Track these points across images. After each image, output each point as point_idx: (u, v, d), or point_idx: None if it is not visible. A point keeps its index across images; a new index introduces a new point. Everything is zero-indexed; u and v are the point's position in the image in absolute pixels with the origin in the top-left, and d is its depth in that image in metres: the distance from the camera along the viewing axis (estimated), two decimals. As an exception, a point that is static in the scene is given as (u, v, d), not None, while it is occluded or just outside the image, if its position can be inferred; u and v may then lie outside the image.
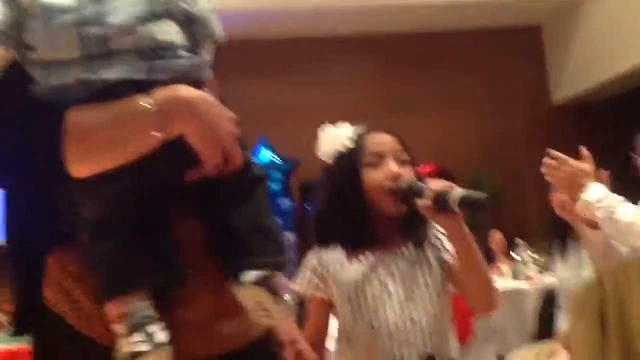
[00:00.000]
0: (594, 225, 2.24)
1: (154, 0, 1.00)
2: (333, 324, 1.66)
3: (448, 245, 1.61)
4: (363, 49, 6.79)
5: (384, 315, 1.53)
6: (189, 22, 1.05)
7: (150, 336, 0.95)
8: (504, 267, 4.91)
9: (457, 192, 1.44)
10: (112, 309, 0.98)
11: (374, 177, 1.58)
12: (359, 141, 1.63)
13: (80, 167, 0.96)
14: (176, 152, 0.99)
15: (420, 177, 1.62)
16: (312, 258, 1.64)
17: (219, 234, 1.06)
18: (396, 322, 1.53)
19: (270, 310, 1.03)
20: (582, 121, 6.74)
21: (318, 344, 1.61)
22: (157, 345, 0.95)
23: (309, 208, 1.65)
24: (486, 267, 1.56)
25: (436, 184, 1.48)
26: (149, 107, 0.95)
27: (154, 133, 0.95)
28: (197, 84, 1.03)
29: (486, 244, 5.81)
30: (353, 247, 1.60)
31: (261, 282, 1.03)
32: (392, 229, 1.62)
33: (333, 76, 6.77)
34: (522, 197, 6.64)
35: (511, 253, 5.07)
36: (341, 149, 1.63)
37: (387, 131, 1.67)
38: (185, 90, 0.99)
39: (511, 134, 7.01)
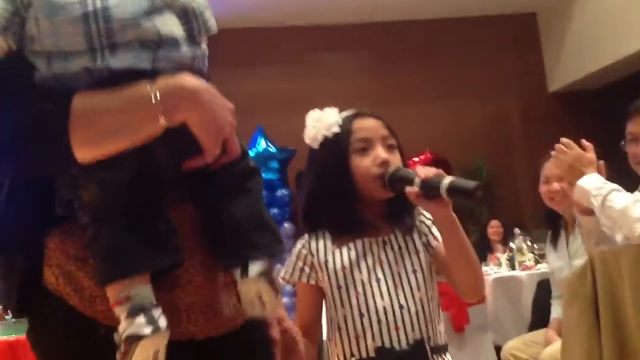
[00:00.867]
0: (587, 212, 2.26)
1: None
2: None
3: (435, 231, 1.62)
4: (359, 37, 6.78)
5: (372, 302, 1.54)
6: (187, 16, 1.07)
7: (151, 319, 0.97)
8: (502, 256, 4.91)
9: (446, 179, 1.44)
10: (114, 292, 0.99)
11: (362, 163, 1.58)
12: (345, 126, 1.62)
13: (85, 152, 0.98)
14: (178, 139, 1.01)
15: (406, 164, 1.62)
16: (301, 245, 1.64)
17: (217, 223, 1.08)
18: (385, 308, 1.53)
19: (266, 302, 1.06)
20: (578, 108, 6.75)
21: (310, 330, 1.61)
22: (158, 329, 0.97)
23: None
24: (474, 255, 1.57)
25: (425, 171, 1.48)
26: (155, 93, 0.97)
27: (158, 120, 0.97)
28: (199, 74, 1.05)
29: (484, 234, 5.84)
30: (341, 234, 1.60)
31: (264, 275, 1.06)
32: (379, 215, 1.62)
33: (330, 65, 6.77)
34: (518, 185, 6.67)
35: (508, 243, 5.08)
36: (328, 134, 1.61)
37: (374, 116, 1.66)
38: (189, 80, 1.01)
39: (507, 122, 7.02)
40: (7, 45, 1.00)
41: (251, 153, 6.37)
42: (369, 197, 1.59)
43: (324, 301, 1.63)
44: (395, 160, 1.59)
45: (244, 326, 1.14)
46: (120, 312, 0.98)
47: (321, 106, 1.68)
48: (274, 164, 6.02)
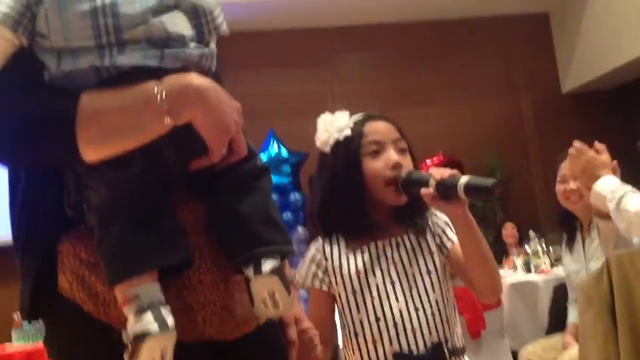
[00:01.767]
0: (605, 216, 2.23)
1: None
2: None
3: (449, 232, 1.61)
4: (373, 39, 6.76)
5: (388, 305, 1.53)
6: (197, 15, 1.06)
7: (158, 317, 0.96)
8: (517, 259, 4.87)
9: (463, 178, 1.42)
10: (122, 291, 0.99)
11: (375, 166, 1.57)
12: (357, 129, 1.61)
13: (92, 151, 0.98)
14: (184, 138, 1.01)
15: (418, 166, 1.62)
16: (314, 249, 1.63)
17: (227, 221, 1.08)
18: (401, 311, 1.52)
19: (279, 301, 1.05)
20: (592, 109, 6.69)
21: (324, 335, 1.59)
22: (166, 327, 0.96)
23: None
24: (491, 255, 1.55)
25: (440, 172, 1.46)
26: (161, 92, 0.97)
27: (165, 119, 0.97)
28: (207, 74, 1.05)
29: (499, 236, 5.79)
30: (354, 237, 1.59)
31: (276, 272, 1.05)
32: (391, 217, 1.61)
33: (342, 67, 6.75)
34: (533, 186, 6.62)
35: (524, 246, 5.03)
36: (339, 137, 1.61)
37: (385, 119, 1.65)
38: (196, 78, 1.01)
39: (521, 123, 6.97)
40: (19, 41, 1.00)
41: (263, 156, 6.34)
42: (382, 200, 1.57)
43: (336, 307, 1.61)
44: (407, 163, 1.59)
45: (260, 329, 1.14)
46: (129, 310, 0.98)
47: (334, 109, 1.67)
48: (287, 168, 6.00)
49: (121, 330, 1.00)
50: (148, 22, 0.98)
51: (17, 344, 3.88)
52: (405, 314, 1.52)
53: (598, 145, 2.28)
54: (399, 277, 1.55)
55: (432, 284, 1.56)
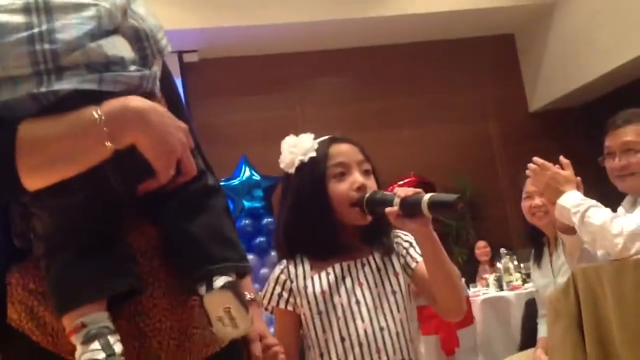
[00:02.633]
0: (568, 230, 2.27)
1: (103, 17, 1.01)
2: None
3: (413, 252, 1.62)
4: (342, 63, 6.84)
5: (353, 325, 1.53)
6: (138, 38, 1.06)
7: (106, 345, 0.95)
8: (489, 277, 4.91)
9: (427, 195, 1.44)
10: (69, 320, 0.98)
11: (340, 188, 1.58)
12: (322, 151, 1.62)
13: (33, 180, 0.96)
14: (129, 162, 0.99)
15: (383, 188, 1.63)
16: (279, 271, 1.63)
17: (178, 242, 1.06)
18: (366, 331, 1.53)
19: (237, 319, 1.02)
20: (558, 127, 6.82)
21: (289, 356, 1.60)
22: (112, 354, 0.95)
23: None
24: (456, 272, 1.57)
25: (404, 191, 1.48)
26: (99, 117, 0.96)
27: (105, 143, 0.96)
28: (149, 96, 1.04)
29: (471, 255, 5.84)
30: (319, 258, 1.60)
31: (229, 287, 1.02)
32: (357, 238, 1.62)
33: (313, 91, 6.81)
34: (503, 205, 6.69)
35: (496, 263, 5.08)
36: (304, 159, 1.62)
37: (349, 141, 1.67)
38: (135, 101, 0.99)
39: (489, 143, 7.07)
40: None
41: (235, 182, 6.31)
42: (347, 222, 1.59)
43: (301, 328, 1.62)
44: (371, 184, 1.60)
45: (223, 351, 1.12)
46: (76, 340, 0.96)
47: (306, 133, 1.69)
48: (259, 193, 6.00)
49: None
50: (85, 46, 0.97)
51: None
52: (370, 333, 1.52)
53: (563, 160, 2.32)
54: (364, 297, 1.56)
55: (397, 304, 1.57)
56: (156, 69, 1.08)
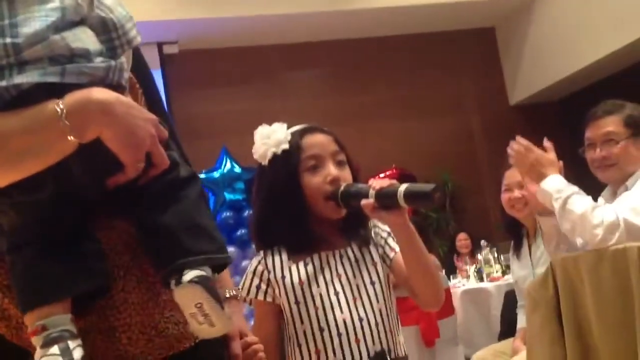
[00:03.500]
0: (547, 212, 2.28)
1: (67, 9, 0.98)
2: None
3: (391, 242, 1.61)
4: (322, 55, 6.83)
5: (332, 315, 1.52)
6: (106, 29, 1.03)
7: (65, 351, 0.93)
8: (469, 268, 4.95)
9: (402, 186, 1.43)
10: (31, 320, 0.96)
11: (314, 181, 1.56)
12: (294, 143, 1.59)
13: None
14: (95, 156, 0.97)
15: (358, 178, 1.61)
16: (257, 262, 1.62)
17: (150, 235, 1.04)
18: (345, 321, 1.52)
19: (210, 315, 0.99)
20: (539, 120, 6.85)
21: (269, 349, 1.59)
22: None
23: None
24: (432, 263, 1.57)
25: (379, 182, 1.47)
26: (61, 110, 0.93)
27: (68, 137, 0.93)
28: (115, 88, 1.01)
29: (452, 247, 5.88)
30: (297, 250, 1.58)
31: (199, 282, 0.99)
32: (334, 230, 1.61)
33: (294, 83, 6.80)
34: (484, 197, 6.73)
35: (476, 255, 5.12)
36: (277, 151, 1.60)
37: (323, 131, 1.65)
38: (98, 92, 0.96)
39: (470, 136, 7.10)
40: None
41: (216, 174, 6.28)
42: (322, 215, 1.58)
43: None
44: (346, 176, 1.59)
45: (199, 345, 1.10)
46: (36, 342, 0.94)
47: (287, 125, 1.66)
48: (240, 185, 5.98)
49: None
50: (48, 39, 0.95)
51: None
52: (349, 324, 1.52)
53: (546, 143, 2.33)
54: (342, 288, 1.55)
55: (375, 294, 1.56)
56: (124, 60, 1.05)
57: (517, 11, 6.80)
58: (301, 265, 1.57)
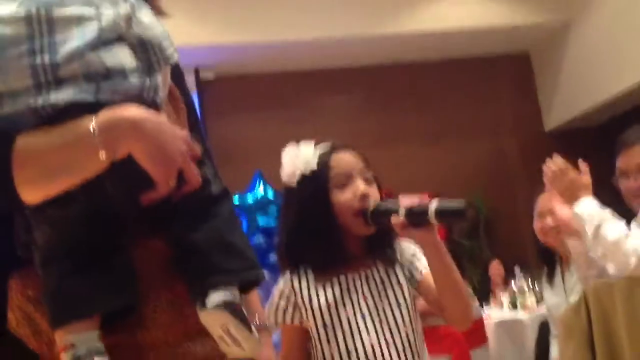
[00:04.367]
0: (577, 234, 2.25)
1: (105, 27, 1.00)
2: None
3: (419, 264, 1.61)
4: (356, 80, 6.85)
5: (359, 339, 1.52)
6: (143, 47, 1.04)
7: None
8: (503, 296, 4.87)
9: (433, 203, 1.43)
10: (60, 337, 0.97)
11: (343, 198, 1.57)
12: (323, 161, 1.61)
13: (30, 192, 0.96)
14: (127, 173, 0.98)
15: (385, 196, 1.62)
16: (283, 284, 1.62)
17: (181, 252, 1.05)
18: (371, 344, 1.52)
19: (238, 338, 1.00)
20: (574, 146, 6.71)
21: None
22: None
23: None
24: (461, 280, 1.55)
25: (409, 200, 1.48)
26: (94, 128, 0.95)
27: (100, 154, 0.95)
28: (150, 105, 1.02)
29: (485, 274, 5.79)
30: (323, 270, 1.58)
31: (225, 306, 1.01)
32: (360, 249, 1.61)
33: (327, 108, 6.82)
34: (518, 223, 6.63)
35: (511, 283, 5.04)
36: (305, 171, 1.61)
37: (350, 149, 1.66)
38: (131, 110, 0.98)
39: (505, 162, 7.03)
40: None
41: (250, 198, 6.28)
42: (351, 231, 1.58)
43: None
44: (374, 192, 1.59)
45: None
46: (65, 358, 0.96)
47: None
48: (273, 209, 6.01)
49: None
50: (85, 57, 0.97)
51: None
52: (377, 347, 1.51)
53: (582, 165, 2.31)
54: (369, 311, 1.55)
55: (402, 316, 1.55)
56: (159, 78, 1.07)
57: (552, 36, 6.75)
58: (328, 287, 1.57)
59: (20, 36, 0.96)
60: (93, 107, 0.96)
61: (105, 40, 1.00)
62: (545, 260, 3.05)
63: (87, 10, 1.00)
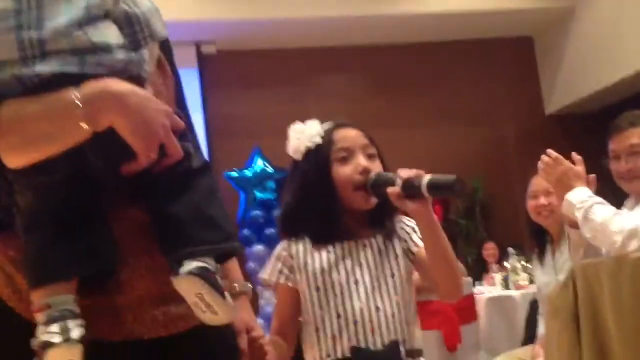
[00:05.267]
0: (577, 225, 2.29)
1: (92, 4, 1.03)
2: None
3: (415, 238, 1.65)
4: (357, 60, 6.85)
5: (350, 303, 1.57)
6: (129, 23, 1.07)
7: (64, 329, 0.98)
8: (497, 275, 4.93)
9: (426, 177, 1.48)
10: (37, 298, 1.01)
11: (344, 171, 1.62)
12: (327, 136, 1.66)
13: (13, 158, 1.00)
14: (111, 144, 1.00)
15: (388, 169, 1.66)
16: (281, 248, 1.67)
17: (159, 222, 1.08)
18: (362, 310, 1.56)
19: (212, 305, 1.02)
20: (574, 131, 6.79)
21: (287, 330, 1.65)
22: (69, 340, 0.97)
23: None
24: (453, 255, 1.60)
25: (406, 172, 1.52)
26: (77, 99, 0.98)
27: (82, 125, 0.97)
28: (135, 79, 1.05)
29: (480, 254, 5.85)
30: (321, 239, 1.63)
31: (198, 273, 1.03)
32: (361, 221, 1.66)
33: (327, 87, 6.82)
34: (515, 206, 6.67)
35: (503, 262, 5.10)
36: (310, 145, 1.66)
37: (354, 126, 1.71)
38: (114, 83, 1.00)
39: (504, 145, 7.05)
40: None
41: (248, 173, 6.34)
42: (351, 204, 1.63)
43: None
44: (376, 167, 1.64)
45: (201, 327, 1.11)
46: (40, 319, 0.99)
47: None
48: (271, 184, 6.05)
49: None
50: (72, 34, 0.99)
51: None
52: (366, 313, 1.56)
53: (575, 156, 2.35)
54: (362, 278, 1.59)
55: (395, 286, 1.60)
56: (145, 52, 1.08)
57: (556, 21, 6.74)
58: (324, 252, 1.62)
59: (8, 10, 0.99)
60: (78, 80, 0.99)
61: (93, 16, 1.02)
62: (536, 240, 3.10)
63: None
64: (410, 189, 1.50)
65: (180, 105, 1.22)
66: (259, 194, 6.03)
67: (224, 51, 6.53)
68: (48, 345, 0.96)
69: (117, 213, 1.09)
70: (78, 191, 1.02)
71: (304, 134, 1.68)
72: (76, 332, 0.99)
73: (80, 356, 0.98)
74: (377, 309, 1.57)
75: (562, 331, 2.18)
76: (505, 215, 6.58)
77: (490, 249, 5.76)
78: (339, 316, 1.57)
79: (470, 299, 4.17)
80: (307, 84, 6.76)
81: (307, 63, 6.75)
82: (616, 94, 6.38)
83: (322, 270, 1.60)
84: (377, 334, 1.55)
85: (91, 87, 0.99)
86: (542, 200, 2.88)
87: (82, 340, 0.99)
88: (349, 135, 1.67)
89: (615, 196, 2.30)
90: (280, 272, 1.65)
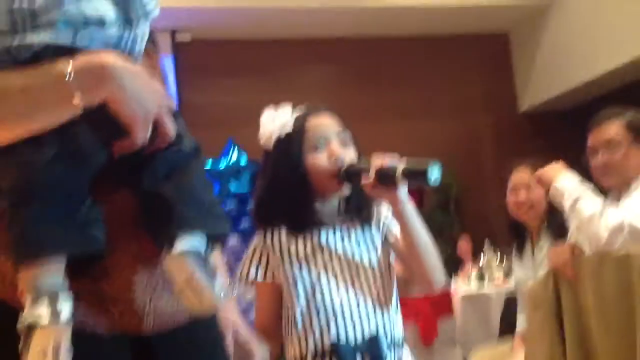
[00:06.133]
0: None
1: None
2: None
3: (394, 225, 1.62)
4: (333, 53, 6.81)
5: (329, 296, 1.53)
6: (125, 0, 1.03)
7: (53, 310, 0.94)
8: (471, 271, 4.93)
9: (401, 164, 1.45)
10: (24, 278, 0.96)
11: (317, 160, 1.58)
12: (299, 124, 1.62)
13: (1, 132, 0.95)
14: (104, 122, 0.96)
15: (362, 156, 1.62)
16: (256, 241, 1.63)
17: (151, 205, 1.04)
18: (341, 302, 1.52)
19: (200, 290, 0.99)
20: (548, 128, 6.84)
21: (270, 329, 1.60)
22: (57, 321, 0.93)
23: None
24: (430, 243, 1.57)
25: (379, 160, 1.48)
26: (69, 71, 0.93)
27: (73, 99, 0.93)
28: (128, 56, 1.01)
29: (455, 249, 5.86)
30: (297, 230, 1.59)
31: (191, 254, 1.00)
32: (337, 210, 1.62)
33: (303, 78, 6.78)
34: (488, 201, 6.70)
35: (479, 258, 5.10)
36: (281, 134, 1.61)
37: (327, 111, 1.67)
38: (109, 57, 0.96)
39: (478, 141, 7.07)
40: None
41: (222, 165, 6.26)
42: (326, 193, 1.59)
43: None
44: (350, 154, 1.60)
45: (191, 325, 1.10)
46: (27, 299, 0.95)
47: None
48: (246, 176, 5.99)
49: None
50: (64, 6, 0.96)
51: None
52: (345, 305, 1.52)
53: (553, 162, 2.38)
54: (341, 269, 1.55)
55: (374, 277, 1.56)
56: (139, 31, 1.05)
57: (531, 17, 6.77)
58: (300, 243, 1.57)
59: None
60: (70, 52, 0.95)
61: None
62: (515, 235, 3.10)
63: None
64: (385, 177, 1.46)
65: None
66: (233, 187, 5.97)
67: (200, 39, 6.45)
68: (35, 326, 0.92)
69: (106, 196, 1.04)
70: (66, 169, 0.97)
71: (275, 122, 1.63)
72: (65, 312, 0.95)
73: (68, 338, 0.94)
74: (357, 300, 1.53)
75: (544, 325, 2.19)
76: (479, 210, 6.61)
77: (464, 243, 5.76)
78: (317, 309, 1.52)
79: (447, 293, 4.17)
80: (284, 75, 6.71)
81: (285, 54, 6.70)
82: (590, 92, 6.43)
83: (300, 262, 1.55)
84: (357, 326, 1.51)
85: (84, 59, 0.94)
86: (522, 195, 2.87)
87: (70, 321, 0.95)
88: (322, 122, 1.63)
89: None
90: (257, 268, 1.60)
